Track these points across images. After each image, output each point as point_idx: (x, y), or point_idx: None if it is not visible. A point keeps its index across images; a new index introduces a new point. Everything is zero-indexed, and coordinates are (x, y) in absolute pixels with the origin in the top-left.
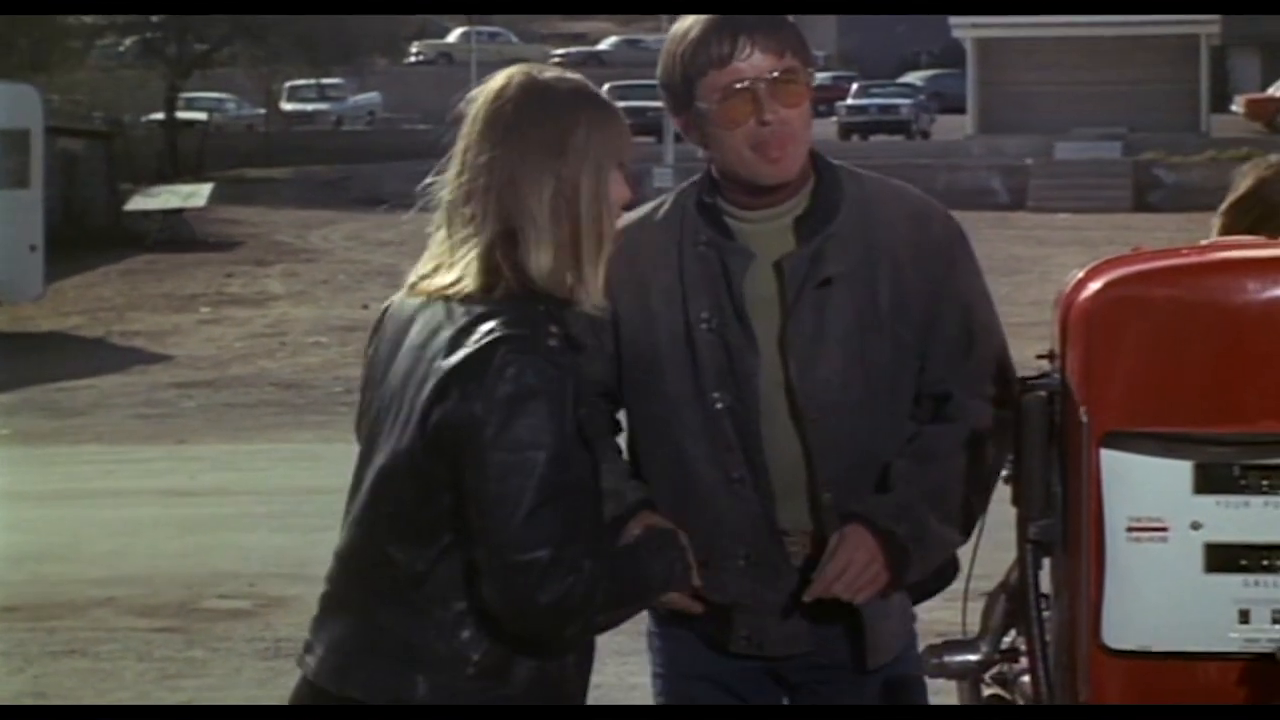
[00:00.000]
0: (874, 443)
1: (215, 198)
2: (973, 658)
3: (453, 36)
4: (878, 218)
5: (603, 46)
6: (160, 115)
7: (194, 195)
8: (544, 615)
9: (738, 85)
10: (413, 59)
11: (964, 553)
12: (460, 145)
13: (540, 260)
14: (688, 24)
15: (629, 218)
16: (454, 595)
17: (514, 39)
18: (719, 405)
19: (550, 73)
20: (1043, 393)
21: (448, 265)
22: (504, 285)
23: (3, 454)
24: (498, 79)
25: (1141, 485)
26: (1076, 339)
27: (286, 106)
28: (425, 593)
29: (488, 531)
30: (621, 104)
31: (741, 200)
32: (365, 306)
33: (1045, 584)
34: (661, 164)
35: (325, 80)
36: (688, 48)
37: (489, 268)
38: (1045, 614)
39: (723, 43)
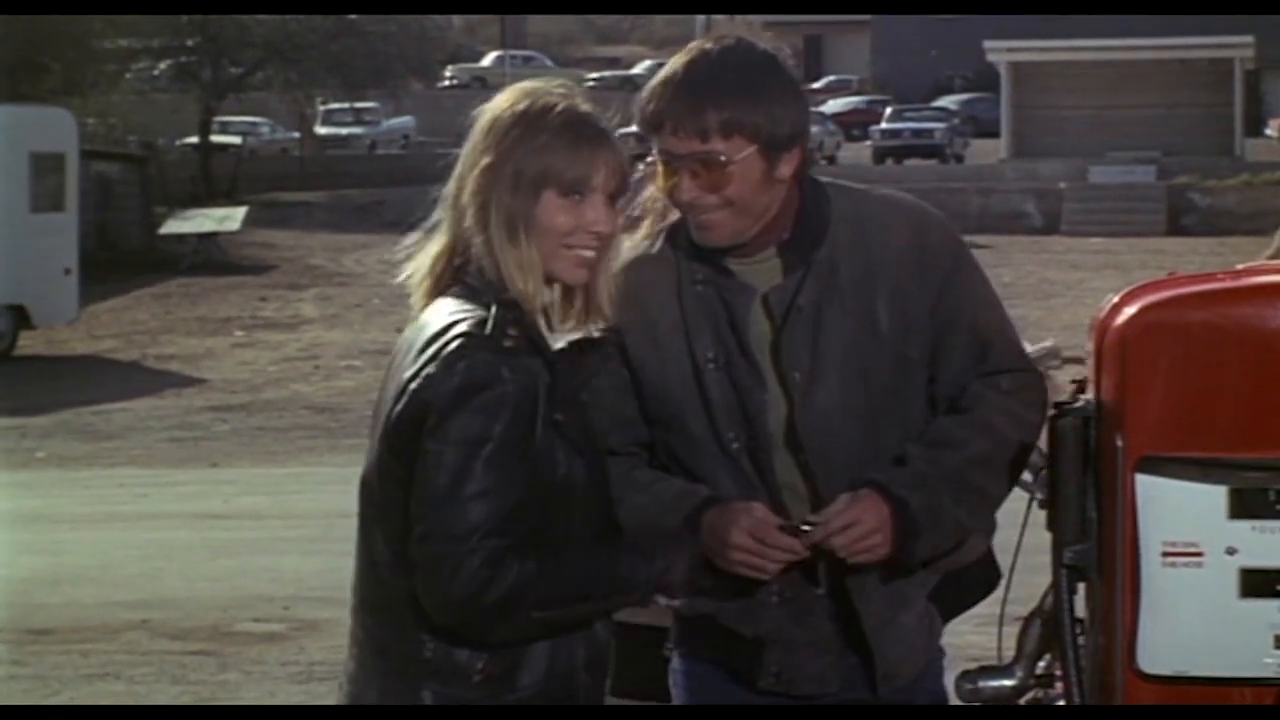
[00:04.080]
0: (877, 466)
1: (249, 221)
2: (1007, 683)
3: (487, 60)
4: (873, 235)
5: (636, 71)
6: (194, 139)
7: (228, 219)
8: (465, 608)
9: (663, 156)
10: (447, 83)
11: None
12: None
13: (485, 267)
14: (658, 75)
15: (626, 255)
16: None
17: (548, 63)
18: (734, 445)
19: (533, 96)
20: (1078, 418)
21: (420, 268)
22: (459, 286)
23: (37, 477)
24: (494, 99)
25: (1176, 510)
26: (1112, 364)
27: (321, 130)
28: (418, 609)
29: (418, 518)
30: None
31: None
32: (399, 330)
33: (1080, 609)
34: None
35: (359, 104)
36: (639, 103)
37: (442, 270)
38: (1080, 639)
39: (653, 112)
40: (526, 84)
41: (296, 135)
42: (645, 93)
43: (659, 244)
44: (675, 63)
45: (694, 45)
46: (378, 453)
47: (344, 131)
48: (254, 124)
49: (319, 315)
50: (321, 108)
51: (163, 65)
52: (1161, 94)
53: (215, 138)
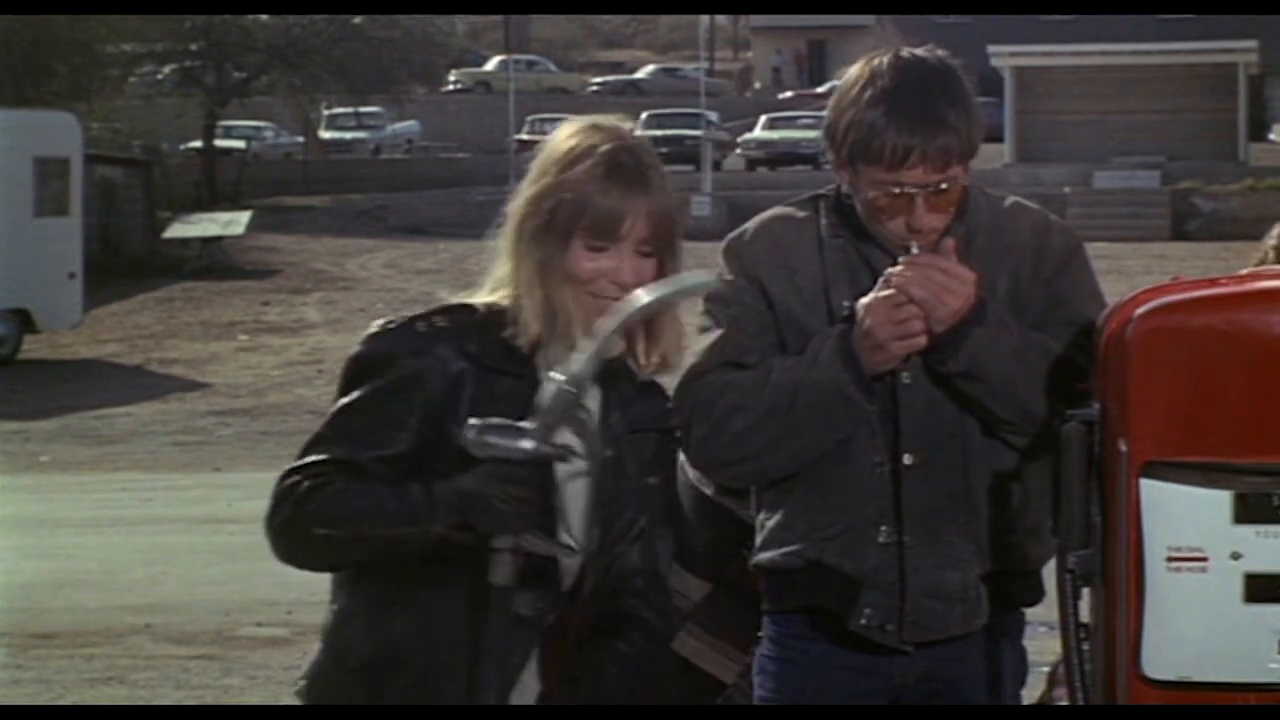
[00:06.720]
0: (963, 417)
1: (253, 226)
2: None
3: (491, 65)
4: (1004, 227)
5: (640, 75)
6: (199, 143)
7: (232, 223)
8: (267, 524)
9: (895, 190)
10: (450, 87)
11: None
12: None
13: (492, 284)
14: (864, 95)
15: (771, 212)
16: None
17: (552, 67)
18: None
19: (584, 133)
20: (1082, 423)
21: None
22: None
23: (41, 481)
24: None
25: (1181, 515)
26: (1115, 369)
27: (324, 135)
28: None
29: None
30: (659, 132)
31: None
32: None
33: (1084, 614)
34: (700, 192)
35: (363, 109)
36: (859, 132)
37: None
38: (1084, 644)
39: (895, 148)
40: (590, 118)
41: (300, 140)
42: (859, 124)
43: (803, 209)
44: (876, 91)
45: (893, 65)
46: None
47: (348, 136)
48: (258, 128)
49: (322, 319)
50: (325, 112)
51: (167, 70)
52: (1166, 99)
53: (219, 142)
